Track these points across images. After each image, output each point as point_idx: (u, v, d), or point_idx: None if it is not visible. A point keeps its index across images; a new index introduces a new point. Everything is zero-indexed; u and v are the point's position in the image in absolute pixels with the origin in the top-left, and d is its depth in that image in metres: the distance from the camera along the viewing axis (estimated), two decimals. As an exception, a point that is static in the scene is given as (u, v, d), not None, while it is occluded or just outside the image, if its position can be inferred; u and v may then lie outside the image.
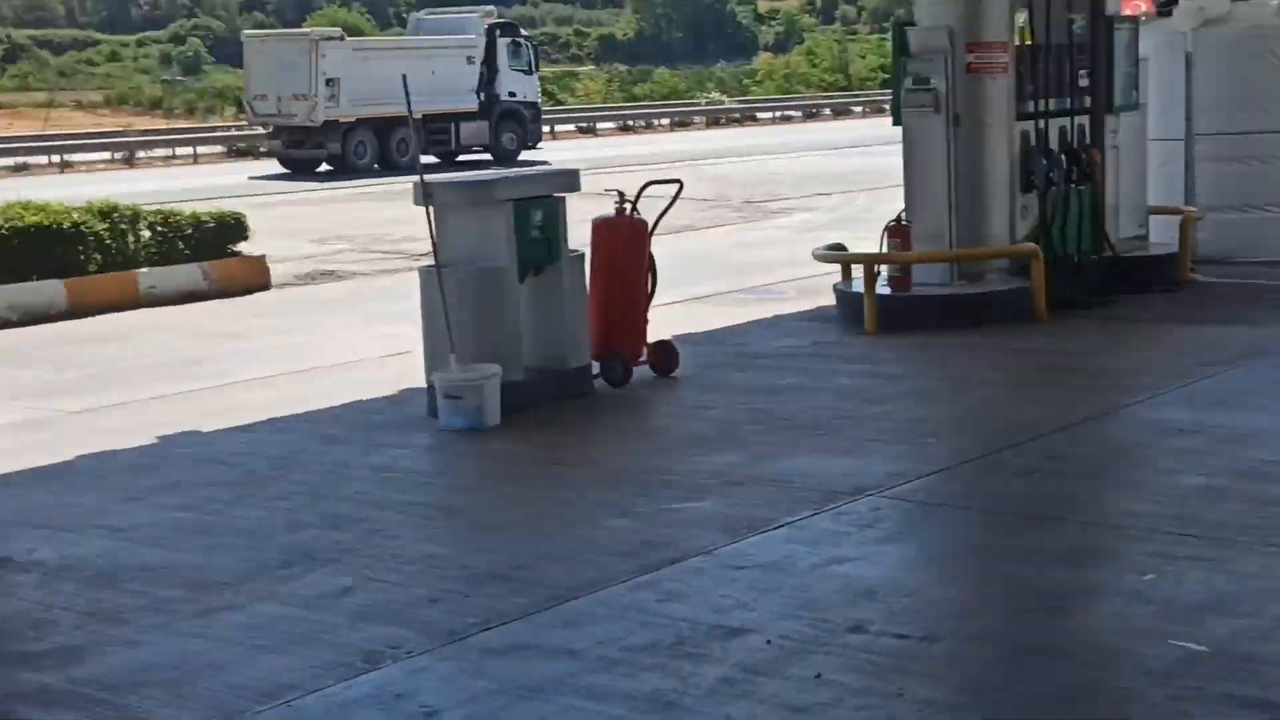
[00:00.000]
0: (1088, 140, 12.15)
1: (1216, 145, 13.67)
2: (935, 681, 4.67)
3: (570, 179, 9.40)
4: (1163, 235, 13.17)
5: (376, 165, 34.30)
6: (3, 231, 13.94)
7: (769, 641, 4.99)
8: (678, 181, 9.93)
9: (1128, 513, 6.36)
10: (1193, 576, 5.44)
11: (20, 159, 37.13)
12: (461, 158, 36.14)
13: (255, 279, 15.54)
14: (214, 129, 46.46)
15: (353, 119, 33.64)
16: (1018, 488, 6.84)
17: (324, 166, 34.56)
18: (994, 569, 5.75)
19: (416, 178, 8.90)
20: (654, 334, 9.76)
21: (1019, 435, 7.67)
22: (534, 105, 38.50)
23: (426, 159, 34.38)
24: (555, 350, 9.12)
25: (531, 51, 39.01)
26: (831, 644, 4.96)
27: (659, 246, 10.06)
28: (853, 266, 11.77)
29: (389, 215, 21.89)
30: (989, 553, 6.00)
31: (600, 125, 49.16)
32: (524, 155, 37.17)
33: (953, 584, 5.68)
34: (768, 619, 5.21)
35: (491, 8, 39.11)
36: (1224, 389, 8.56)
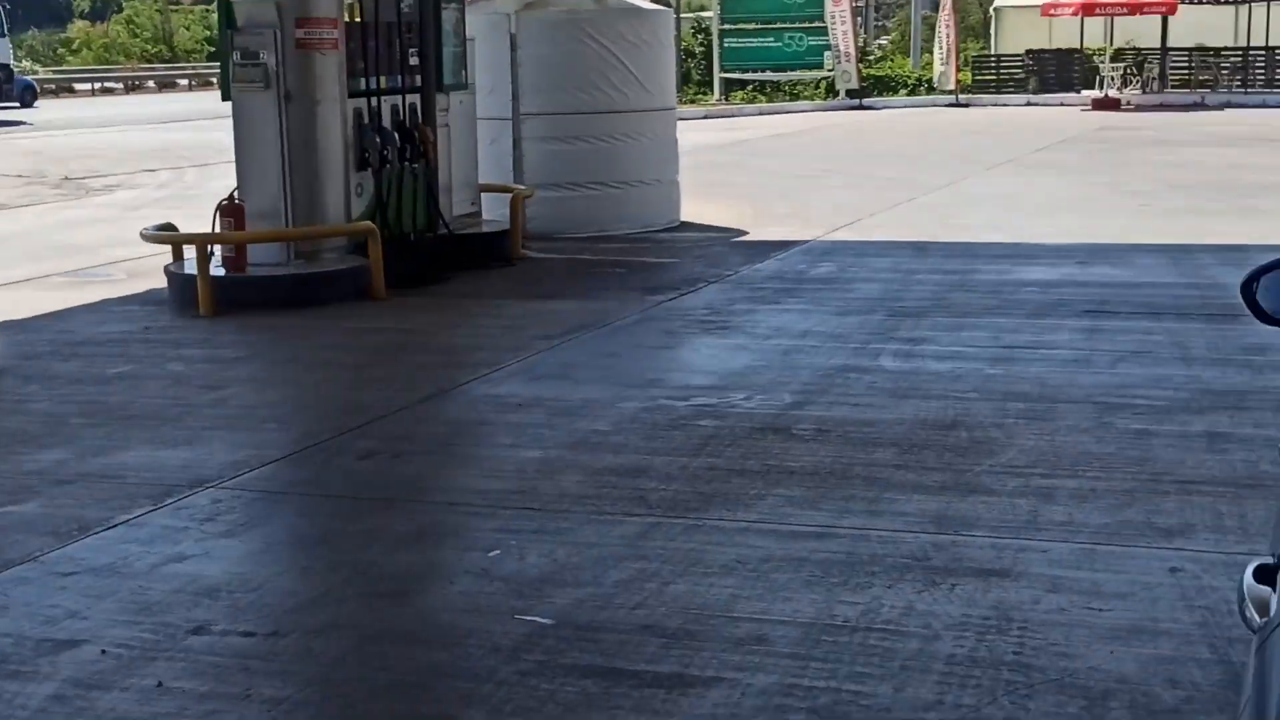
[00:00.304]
0: (420, 118, 12.27)
1: (542, 124, 14.18)
2: (284, 678, 4.50)
3: None
4: (495, 212, 13.53)
5: None
6: None
7: (104, 651, 4.65)
8: (-13, 157, 9.21)
9: (472, 490, 6.41)
10: (536, 549, 5.54)
11: None
12: None
13: None
14: None
15: None
16: (363, 470, 6.76)
17: None
18: (341, 556, 5.63)
19: None
20: (-34, 323, 9.01)
21: (362, 416, 7.60)
22: (5, 67, 40.99)
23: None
24: None
25: (3, 14, 40.90)
26: (173, 649, 4.68)
27: (-31, 228, 9.29)
28: (184, 247, 11.34)
29: None
30: (336, 539, 5.88)
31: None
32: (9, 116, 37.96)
33: (299, 575, 5.52)
34: (103, 627, 4.86)
35: None
36: (557, 362, 8.84)
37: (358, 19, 11.83)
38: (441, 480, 6.66)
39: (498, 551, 5.54)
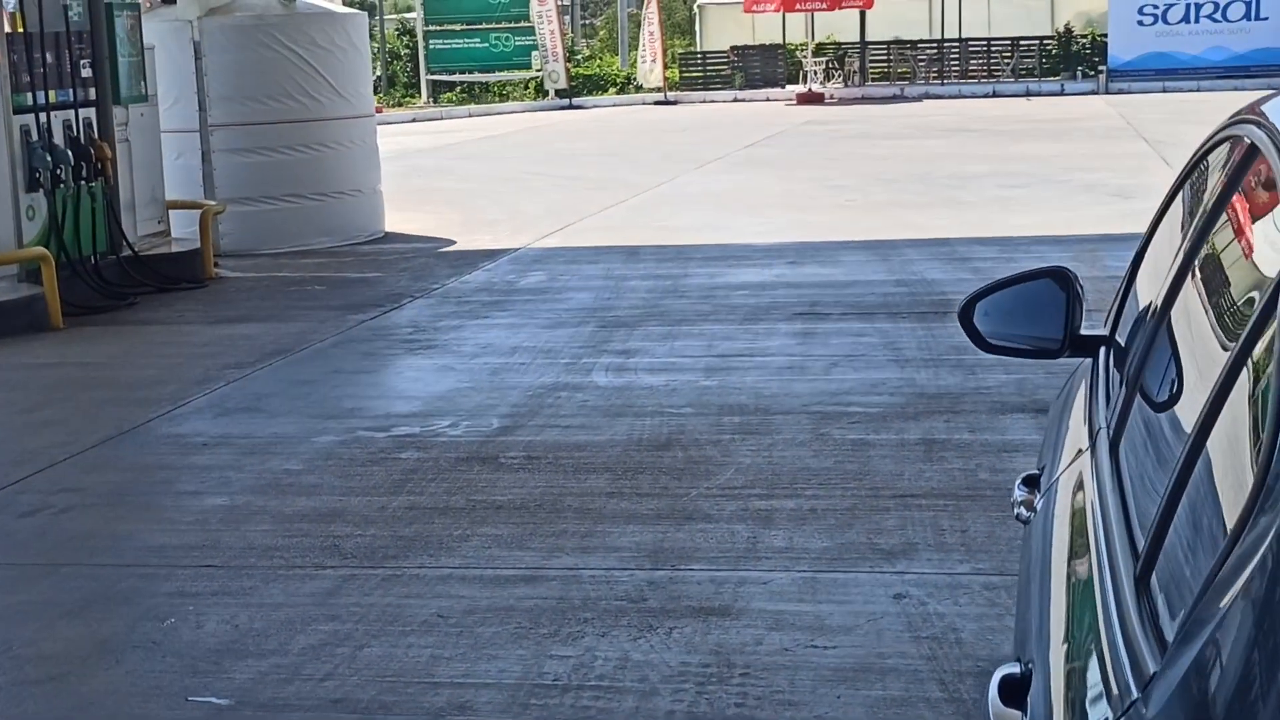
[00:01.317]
0: (96, 133, 11.47)
1: (232, 136, 13.46)
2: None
3: None
4: (185, 230, 12.79)
5: None
6: None
7: None
8: None
9: (148, 547, 5.81)
10: (215, 615, 5.01)
11: None
12: None
13: None
14: None
15: None
16: (23, 530, 6.08)
17: None
18: (-8, 636, 4.99)
19: None
20: None
21: (28, 467, 6.91)
22: None
23: None
24: None
25: None
26: None
27: None
28: None
29: None
30: (-13, 616, 5.23)
31: None
32: None
33: (-58, 662, 4.86)
34: None
35: None
36: (249, 393, 8.25)
37: (20, 29, 10.95)
38: (114, 538, 6.01)
39: (173, 620, 5.00)
